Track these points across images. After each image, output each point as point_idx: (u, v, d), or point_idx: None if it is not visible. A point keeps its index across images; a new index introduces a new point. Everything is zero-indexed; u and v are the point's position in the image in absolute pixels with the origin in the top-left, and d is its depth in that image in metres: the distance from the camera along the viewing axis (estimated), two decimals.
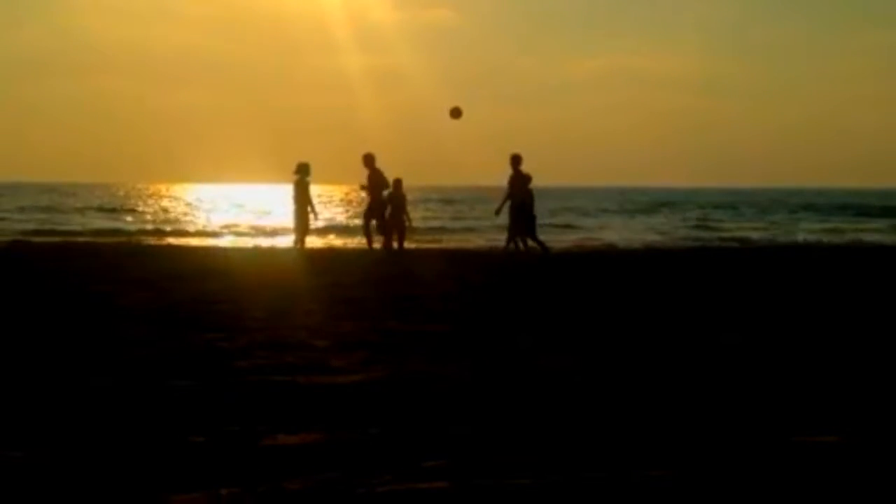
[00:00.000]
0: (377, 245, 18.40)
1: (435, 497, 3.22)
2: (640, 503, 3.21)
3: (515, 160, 17.90)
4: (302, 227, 18.48)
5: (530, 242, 18.15)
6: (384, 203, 18.39)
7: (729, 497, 3.27)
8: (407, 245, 18.74)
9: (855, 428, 4.20)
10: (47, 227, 35.61)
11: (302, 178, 18.03)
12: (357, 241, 24.31)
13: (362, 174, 18.38)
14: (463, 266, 14.99)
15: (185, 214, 51.06)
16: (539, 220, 18.85)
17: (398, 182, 18.76)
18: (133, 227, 37.32)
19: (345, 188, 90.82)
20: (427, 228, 33.93)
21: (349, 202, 65.90)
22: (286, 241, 24.82)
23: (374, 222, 18.50)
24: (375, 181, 18.25)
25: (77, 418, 4.25)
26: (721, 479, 3.45)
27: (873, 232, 38.16)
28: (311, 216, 18.51)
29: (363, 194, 18.78)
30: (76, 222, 39.78)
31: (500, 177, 18.94)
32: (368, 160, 18.30)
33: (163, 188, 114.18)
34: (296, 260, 16.44)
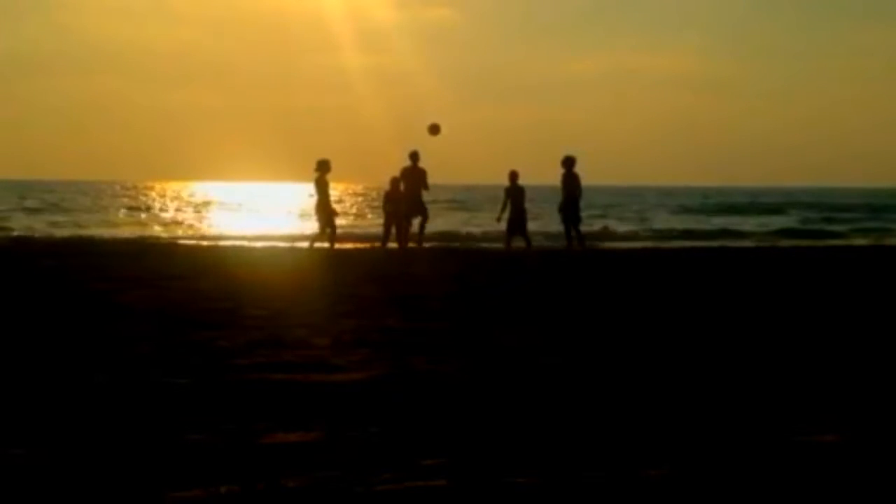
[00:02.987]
0: (411, 243, 18.55)
1: (434, 495, 3.22)
2: (640, 502, 3.21)
3: (513, 175, 18.76)
4: (324, 224, 18.38)
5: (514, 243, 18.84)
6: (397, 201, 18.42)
7: (728, 496, 3.27)
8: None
9: (854, 427, 4.20)
10: (47, 223, 35.66)
11: (322, 175, 18.02)
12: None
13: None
14: (464, 265, 14.98)
15: (185, 212, 51.08)
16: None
17: (395, 181, 18.85)
18: (133, 225, 37.34)
19: (342, 186, 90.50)
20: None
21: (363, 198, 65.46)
22: (286, 242, 24.82)
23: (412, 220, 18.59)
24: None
25: (76, 416, 4.25)
26: (720, 478, 3.45)
27: None
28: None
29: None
30: (76, 220, 39.80)
31: (500, 176, 19.13)
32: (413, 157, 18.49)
33: (163, 186, 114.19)
34: (295, 258, 16.43)
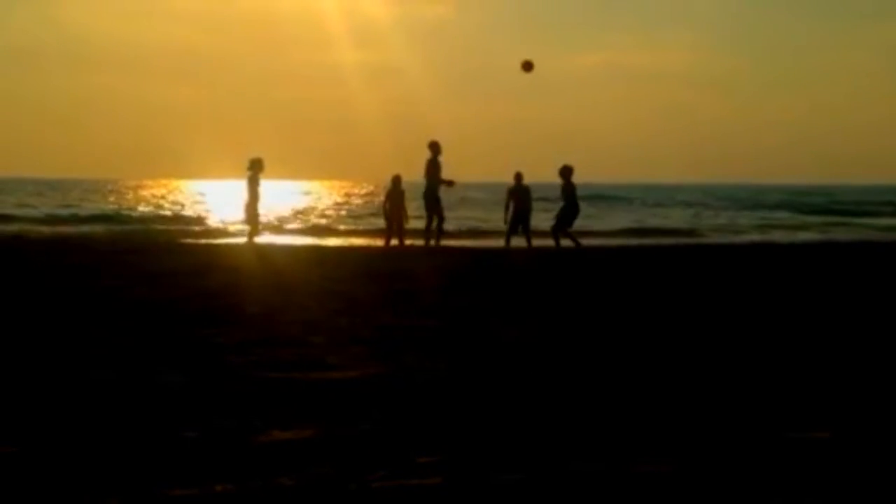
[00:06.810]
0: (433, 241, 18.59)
1: (429, 493, 3.22)
2: (634, 497, 3.22)
3: (518, 176, 18.90)
4: (253, 222, 18.55)
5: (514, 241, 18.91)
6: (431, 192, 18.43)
7: (721, 491, 3.28)
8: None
9: (846, 424, 4.21)
10: (46, 221, 35.60)
11: (255, 174, 18.10)
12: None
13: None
14: (459, 262, 14.98)
15: (183, 210, 50.99)
16: None
17: (397, 178, 18.97)
18: (130, 223, 37.29)
19: (338, 183, 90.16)
20: None
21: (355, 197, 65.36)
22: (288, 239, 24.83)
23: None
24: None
25: (71, 413, 4.25)
26: (713, 473, 3.46)
27: None
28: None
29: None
30: (72, 217, 39.76)
31: (495, 173, 19.24)
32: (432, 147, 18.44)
33: (159, 184, 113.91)
34: (292, 256, 16.44)
